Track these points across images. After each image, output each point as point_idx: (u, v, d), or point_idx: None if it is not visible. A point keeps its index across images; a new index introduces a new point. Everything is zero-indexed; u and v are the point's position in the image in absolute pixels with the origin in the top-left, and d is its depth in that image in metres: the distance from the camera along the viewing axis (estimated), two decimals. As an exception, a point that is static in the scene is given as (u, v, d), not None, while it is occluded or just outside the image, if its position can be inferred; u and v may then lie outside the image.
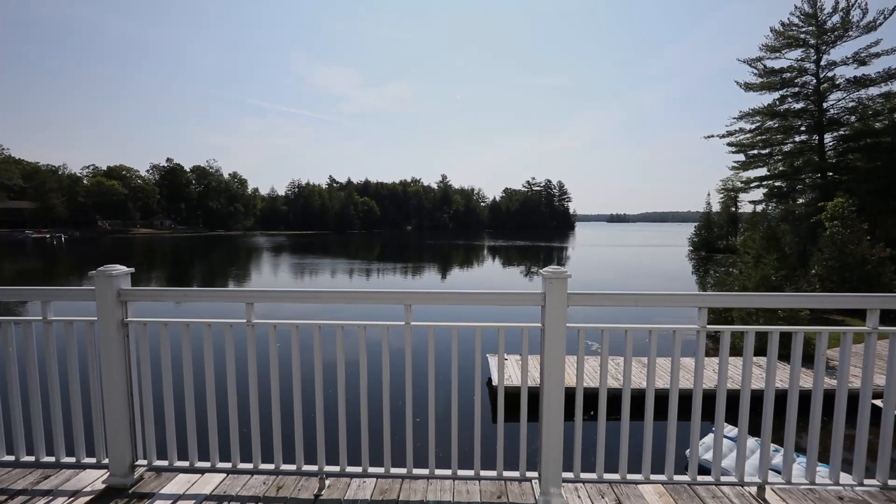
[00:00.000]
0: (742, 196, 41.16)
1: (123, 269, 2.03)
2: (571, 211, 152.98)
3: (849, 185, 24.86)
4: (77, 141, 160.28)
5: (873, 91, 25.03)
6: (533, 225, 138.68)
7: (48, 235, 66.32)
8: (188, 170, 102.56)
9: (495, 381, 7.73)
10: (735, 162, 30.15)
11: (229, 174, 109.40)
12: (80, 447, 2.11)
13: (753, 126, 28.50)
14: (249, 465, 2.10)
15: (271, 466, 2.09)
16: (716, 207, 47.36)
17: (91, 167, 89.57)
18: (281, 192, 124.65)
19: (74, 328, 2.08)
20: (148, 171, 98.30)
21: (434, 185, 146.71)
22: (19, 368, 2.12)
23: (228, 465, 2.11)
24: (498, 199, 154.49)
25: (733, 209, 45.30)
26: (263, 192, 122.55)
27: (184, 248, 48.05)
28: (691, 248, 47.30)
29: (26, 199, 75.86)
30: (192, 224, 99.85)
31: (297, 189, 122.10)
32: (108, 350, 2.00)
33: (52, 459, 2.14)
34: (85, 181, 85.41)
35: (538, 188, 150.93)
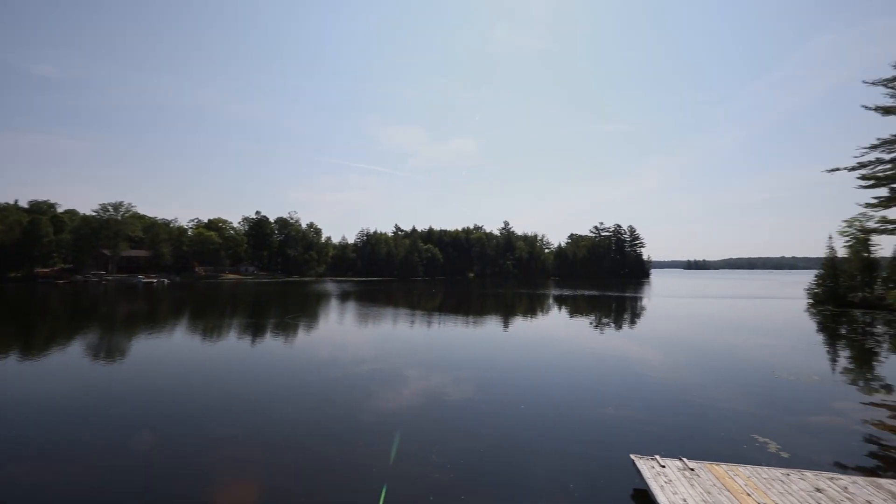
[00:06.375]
0: (881, 239, 33.94)
1: None
2: (645, 257, 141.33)
3: None
4: (192, 199, 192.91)
5: None
6: (602, 272, 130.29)
7: (155, 280, 75.51)
8: (272, 221, 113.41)
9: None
10: (876, 197, 24.82)
11: (307, 224, 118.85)
12: None
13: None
14: None
15: None
16: (818, 252, 39.39)
17: (195, 220, 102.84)
18: (351, 240, 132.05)
19: None
20: (239, 222, 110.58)
21: (497, 232, 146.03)
22: None
23: None
24: (563, 245, 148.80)
25: (865, 254, 37.44)
26: (335, 240, 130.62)
27: (262, 293, 50.93)
28: (811, 300, 39.55)
29: (143, 248, 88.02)
30: (272, 270, 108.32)
31: (365, 237, 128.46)
32: None
33: None
34: (189, 232, 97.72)
35: (607, 233, 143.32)
